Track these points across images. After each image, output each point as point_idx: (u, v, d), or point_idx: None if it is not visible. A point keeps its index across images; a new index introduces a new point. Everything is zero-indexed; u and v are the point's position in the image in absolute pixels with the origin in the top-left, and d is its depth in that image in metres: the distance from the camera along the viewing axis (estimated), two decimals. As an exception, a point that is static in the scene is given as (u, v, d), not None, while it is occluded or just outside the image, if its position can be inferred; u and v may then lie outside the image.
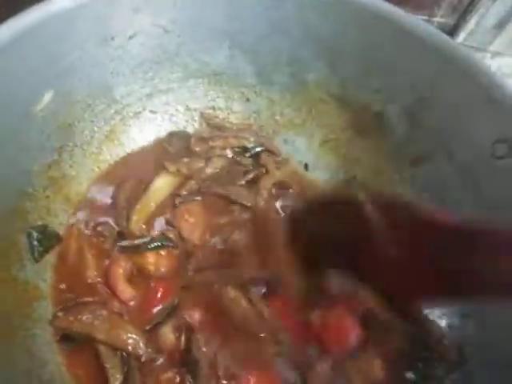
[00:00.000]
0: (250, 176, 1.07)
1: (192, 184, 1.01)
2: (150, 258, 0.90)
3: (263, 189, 1.04)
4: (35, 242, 0.86)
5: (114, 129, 1.04)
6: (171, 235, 0.94)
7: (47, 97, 0.87)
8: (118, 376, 0.79)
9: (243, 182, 1.06)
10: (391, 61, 0.95)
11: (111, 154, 1.04)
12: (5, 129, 0.79)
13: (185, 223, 0.96)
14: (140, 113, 1.07)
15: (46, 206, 0.91)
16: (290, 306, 0.89)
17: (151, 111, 1.09)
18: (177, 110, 1.11)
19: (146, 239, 0.92)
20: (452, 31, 1.30)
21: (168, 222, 0.96)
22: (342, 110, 1.08)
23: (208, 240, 0.95)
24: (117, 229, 0.95)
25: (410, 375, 0.86)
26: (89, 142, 1.00)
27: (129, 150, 1.06)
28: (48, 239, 0.88)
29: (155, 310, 0.86)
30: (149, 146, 1.09)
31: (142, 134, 1.08)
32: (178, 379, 0.80)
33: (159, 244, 0.92)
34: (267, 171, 1.08)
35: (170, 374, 0.80)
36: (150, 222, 0.97)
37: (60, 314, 0.83)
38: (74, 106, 0.94)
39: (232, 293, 0.87)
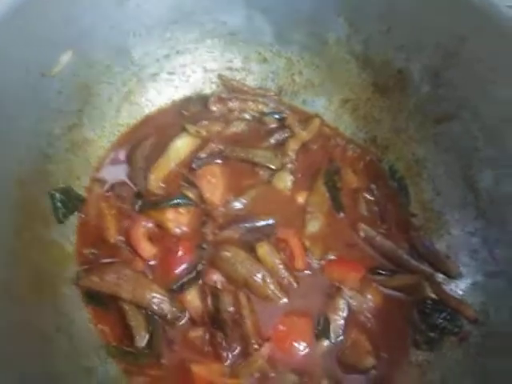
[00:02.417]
0: (275, 138, 1.05)
1: (212, 147, 1.00)
2: (170, 215, 0.91)
3: (290, 151, 1.03)
4: (58, 204, 0.87)
5: (132, 90, 1.03)
6: (190, 194, 0.94)
7: (65, 57, 0.86)
8: (143, 333, 0.80)
9: (267, 144, 1.05)
10: (417, 16, 0.91)
11: (130, 116, 1.03)
12: (25, 89, 0.79)
13: (207, 183, 0.95)
14: (157, 74, 1.06)
15: (68, 168, 0.91)
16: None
17: (168, 72, 1.07)
18: (194, 71, 1.10)
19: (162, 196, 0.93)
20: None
21: (187, 181, 0.96)
22: (363, 68, 1.05)
23: (229, 201, 0.95)
24: (135, 189, 0.95)
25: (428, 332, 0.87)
26: (107, 104, 0.99)
27: (147, 112, 1.06)
28: (71, 201, 0.89)
29: (178, 269, 0.87)
30: (166, 109, 1.07)
31: (159, 95, 1.07)
32: (207, 336, 0.81)
33: (178, 201, 0.92)
34: (293, 133, 1.06)
35: (199, 332, 0.81)
36: (168, 181, 0.96)
37: (84, 273, 0.84)
38: (92, 67, 0.93)
39: (265, 247, 0.88)
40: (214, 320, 0.83)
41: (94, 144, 0.97)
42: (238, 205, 0.96)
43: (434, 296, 0.91)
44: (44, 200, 0.85)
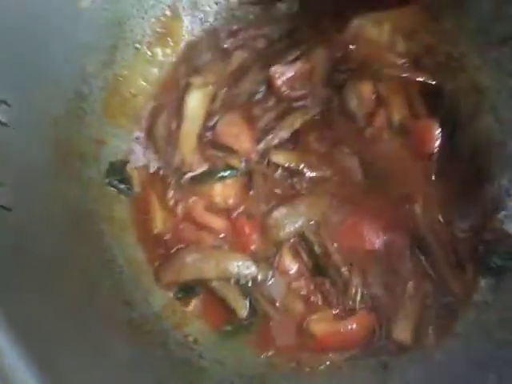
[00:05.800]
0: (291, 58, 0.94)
1: (223, 93, 0.93)
2: (217, 190, 0.86)
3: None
4: (121, 186, 0.87)
5: (166, 26, 0.96)
6: (229, 160, 0.88)
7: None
8: (242, 303, 0.79)
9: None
10: None
11: (164, 54, 0.97)
12: (54, 25, 0.76)
13: (230, 136, 0.89)
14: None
15: (104, 107, 0.88)
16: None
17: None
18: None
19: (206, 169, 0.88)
20: None
21: (215, 146, 0.90)
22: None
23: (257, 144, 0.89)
24: (172, 167, 0.89)
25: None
26: (140, 40, 0.94)
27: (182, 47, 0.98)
28: (125, 176, 0.88)
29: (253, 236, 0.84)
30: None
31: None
32: (312, 287, 0.80)
33: (223, 175, 0.87)
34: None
35: (301, 283, 0.80)
36: (201, 148, 0.90)
37: (162, 271, 0.82)
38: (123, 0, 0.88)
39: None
40: (315, 271, 0.81)
41: (128, 82, 0.92)
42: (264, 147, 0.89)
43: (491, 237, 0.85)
44: (79, 140, 0.83)
